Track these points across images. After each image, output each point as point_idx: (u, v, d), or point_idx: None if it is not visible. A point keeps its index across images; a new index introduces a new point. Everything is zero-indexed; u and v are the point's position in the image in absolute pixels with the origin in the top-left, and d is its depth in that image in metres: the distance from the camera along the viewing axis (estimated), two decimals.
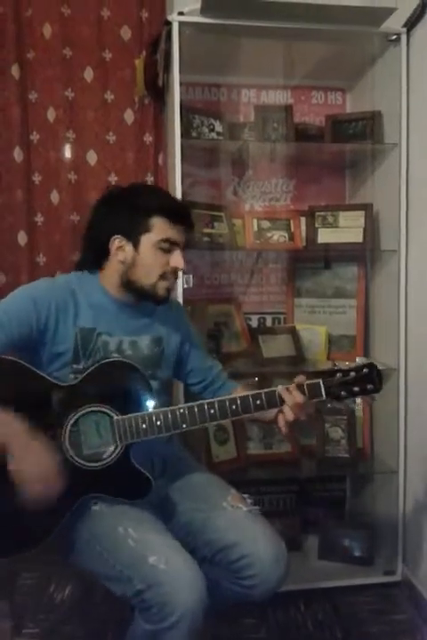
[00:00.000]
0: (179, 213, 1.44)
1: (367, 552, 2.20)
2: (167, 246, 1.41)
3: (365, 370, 1.40)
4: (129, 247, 1.41)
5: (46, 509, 1.29)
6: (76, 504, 1.35)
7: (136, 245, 1.41)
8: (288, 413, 1.39)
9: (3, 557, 1.35)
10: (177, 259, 1.43)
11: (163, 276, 1.43)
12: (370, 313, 2.33)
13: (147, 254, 1.41)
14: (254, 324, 2.42)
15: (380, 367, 2.11)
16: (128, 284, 1.44)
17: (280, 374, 2.24)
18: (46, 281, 1.45)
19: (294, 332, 2.30)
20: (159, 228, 1.40)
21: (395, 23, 1.98)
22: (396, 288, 2.07)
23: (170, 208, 1.43)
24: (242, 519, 1.41)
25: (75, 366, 1.40)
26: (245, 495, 1.49)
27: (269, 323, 2.44)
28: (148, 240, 1.40)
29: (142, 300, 1.47)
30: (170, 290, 1.47)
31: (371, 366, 1.41)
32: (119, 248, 1.42)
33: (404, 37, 2.00)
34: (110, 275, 1.45)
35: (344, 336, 2.33)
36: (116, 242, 1.42)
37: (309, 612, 2.00)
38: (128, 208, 1.42)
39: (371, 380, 1.40)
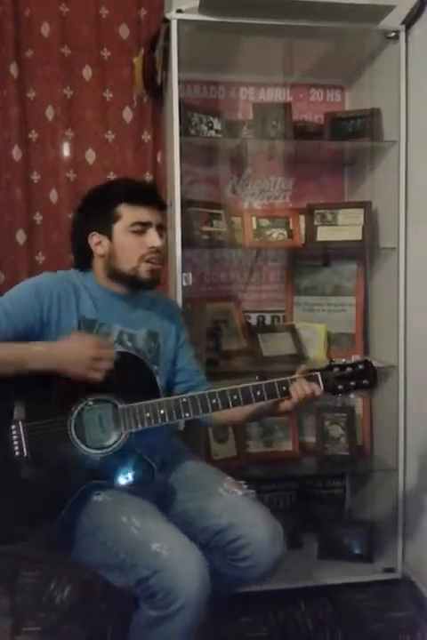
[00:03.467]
0: (142, 194, 1.48)
1: (367, 550, 2.20)
2: (140, 228, 1.46)
3: (360, 366, 1.47)
4: (105, 240, 1.47)
5: (51, 494, 1.32)
6: (79, 491, 1.35)
7: (110, 236, 1.47)
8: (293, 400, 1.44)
9: (8, 544, 1.35)
10: (151, 237, 1.46)
11: (142, 258, 1.46)
12: (369, 311, 2.33)
13: (121, 241, 1.46)
14: (254, 322, 2.42)
15: (380, 365, 2.14)
16: (114, 275, 1.49)
17: (280, 372, 2.24)
18: (48, 274, 1.50)
19: (293, 331, 2.30)
20: (127, 214, 1.45)
21: (394, 20, 1.97)
22: (395, 285, 2.07)
23: (132, 192, 1.47)
24: (237, 502, 1.42)
25: None
26: (241, 481, 1.51)
27: (268, 321, 2.44)
28: (119, 228, 1.46)
29: (133, 288, 1.51)
30: (154, 271, 1.49)
31: (366, 363, 1.47)
32: (97, 244, 1.48)
33: (403, 35, 2.00)
34: (99, 271, 1.51)
35: (343, 334, 2.33)
36: (94, 238, 1.48)
37: (309, 610, 2.00)
38: (97, 205, 1.49)
39: (367, 375, 1.46)
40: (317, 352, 2.30)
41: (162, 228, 1.52)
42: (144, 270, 1.47)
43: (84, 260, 1.52)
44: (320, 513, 2.41)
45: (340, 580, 2.11)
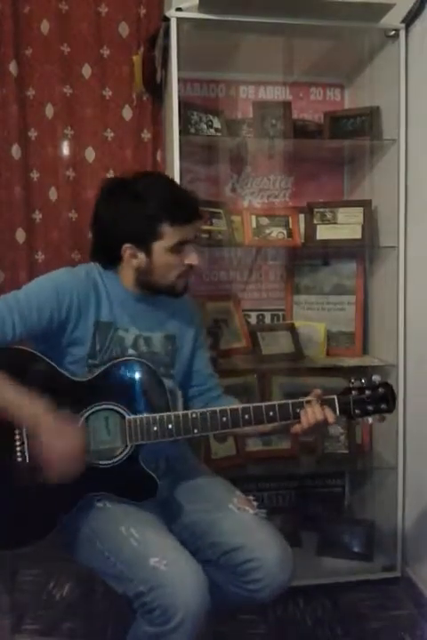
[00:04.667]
0: (188, 215, 1.40)
1: (367, 548, 2.20)
2: (181, 248, 1.40)
3: (380, 389, 1.39)
4: (141, 254, 1.40)
5: (51, 503, 1.31)
6: (81, 500, 1.35)
7: (148, 253, 1.39)
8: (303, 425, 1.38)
9: (6, 549, 1.36)
10: (192, 256, 1.42)
11: (181, 275, 1.43)
12: (369, 309, 2.33)
13: (161, 260, 1.40)
14: (253, 320, 2.42)
15: (379, 363, 2.13)
16: (145, 285, 1.45)
17: (279, 371, 2.25)
18: (68, 271, 1.44)
19: (292, 329, 2.30)
20: (170, 234, 1.37)
21: (393, 19, 1.97)
22: (395, 284, 2.07)
23: (178, 211, 1.38)
24: (248, 522, 1.39)
25: (90, 361, 1.40)
26: (251, 497, 1.48)
27: (268, 319, 2.44)
28: (160, 247, 1.38)
29: (163, 295, 1.47)
30: (187, 285, 1.48)
31: (386, 386, 1.40)
32: (132, 256, 1.41)
33: (402, 33, 1.99)
34: (126, 276, 1.45)
35: (343, 333, 2.33)
36: (128, 251, 1.40)
37: (308, 608, 2.00)
38: (135, 215, 1.37)
39: (385, 399, 1.39)
40: (316, 351, 2.29)
41: (197, 236, 1.46)
42: (180, 285, 1.44)
43: (109, 262, 1.45)
44: (320, 511, 2.41)
45: (339, 579, 2.11)
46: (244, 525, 1.38)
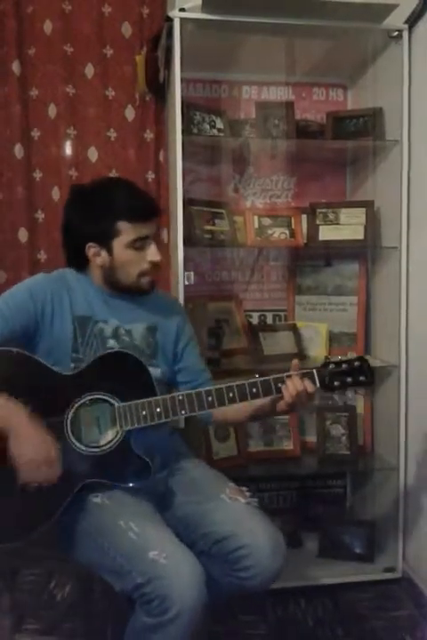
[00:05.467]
0: (143, 212, 1.45)
1: (368, 549, 2.20)
2: (140, 244, 1.45)
3: (356, 363, 1.44)
4: (104, 252, 1.46)
5: (48, 494, 1.32)
6: (76, 489, 1.36)
7: (109, 250, 1.45)
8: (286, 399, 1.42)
9: (3, 543, 1.35)
10: (152, 252, 1.47)
11: (143, 273, 1.48)
12: (371, 310, 2.33)
13: (122, 256, 1.45)
14: (255, 321, 2.42)
15: (381, 364, 2.13)
16: (112, 283, 1.49)
17: (281, 371, 2.24)
18: (42, 275, 1.52)
19: (294, 330, 2.30)
20: (127, 231, 1.43)
21: (397, 20, 1.97)
22: (397, 285, 2.07)
23: (132, 210, 1.44)
24: (240, 511, 1.41)
25: (74, 355, 1.44)
26: (244, 488, 1.49)
27: (269, 320, 2.44)
28: (119, 243, 1.44)
29: (129, 293, 1.52)
30: (153, 282, 1.52)
31: (362, 359, 1.45)
32: (95, 254, 1.47)
33: (406, 34, 1.99)
34: (96, 275, 1.51)
35: (345, 333, 2.33)
36: (92, 250, 1.47)
37: (309, 609, 2.00)
38: (94, 214, 1.45)
39: (363, 372, 1.44)
40: (318, 351, 2.29)
41: (157, 235, 1.52)
42: (145, 283, 1.49)
43: (79, 263, 1.52)
44: (321, 512, 2.41)
45: (340, 579, 2.11)
46: (234, 514, 1.40)
